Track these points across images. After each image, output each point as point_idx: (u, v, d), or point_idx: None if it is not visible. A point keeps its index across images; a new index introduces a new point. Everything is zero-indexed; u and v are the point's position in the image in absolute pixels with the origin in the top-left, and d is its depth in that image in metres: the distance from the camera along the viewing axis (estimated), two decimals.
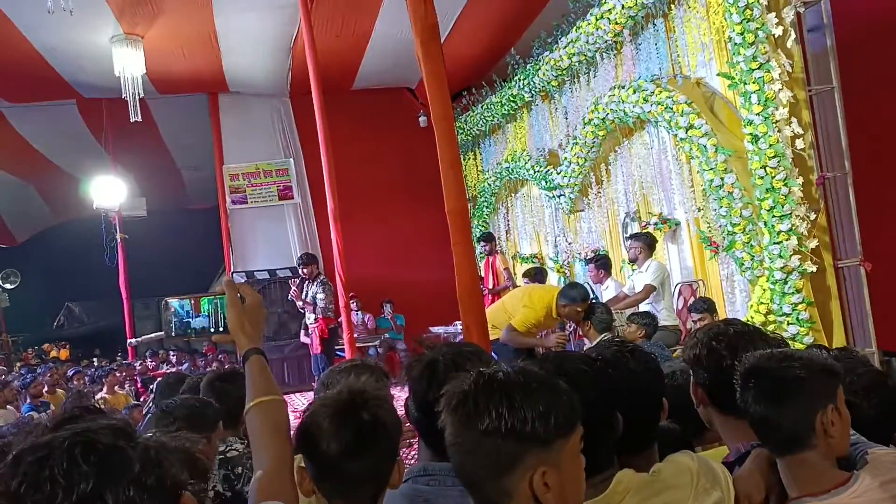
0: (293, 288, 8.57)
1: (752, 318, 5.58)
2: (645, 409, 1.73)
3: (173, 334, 1.84)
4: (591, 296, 7.56)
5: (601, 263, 7.51)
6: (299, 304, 8.43)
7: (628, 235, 7.61)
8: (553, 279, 9.75)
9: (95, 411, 1.10)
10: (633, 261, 6.91)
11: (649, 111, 7.08)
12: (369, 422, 1.57)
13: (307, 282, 8.47)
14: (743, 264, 6.05)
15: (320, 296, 8.18)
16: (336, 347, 8.86)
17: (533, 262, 10.20)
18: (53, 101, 11.41)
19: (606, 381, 1.65)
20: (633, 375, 1.73)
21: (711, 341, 1.87)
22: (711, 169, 6.24)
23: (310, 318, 8.30)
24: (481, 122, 11.37)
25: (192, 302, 1.85)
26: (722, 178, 6.14)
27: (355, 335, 8.03)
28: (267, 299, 10.83)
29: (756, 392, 1.66)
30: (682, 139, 6.64)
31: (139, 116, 9.37)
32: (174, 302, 1.85)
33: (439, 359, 1.80)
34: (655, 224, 7.62)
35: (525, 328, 5.52)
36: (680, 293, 7.17)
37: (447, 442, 1.27)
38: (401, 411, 1.74)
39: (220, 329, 1.81)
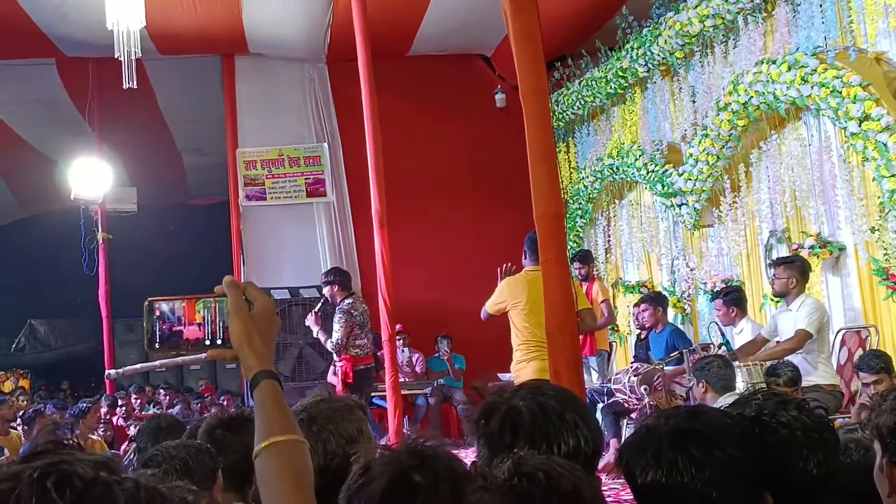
0: (312, 313, 8.44)
1: None
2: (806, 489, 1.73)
3: (157, 346, 1.86)
4: (721, 339, 7.44)
5: (733, 299, 7.44)
6: (315, 331, 8.29)
7: (773, 260, 7.48)
8: (669, 317, 9.63)
9: (73, 447, 1.14)
10: (779, 295, 6.80)
11: (809, 95, 7.01)
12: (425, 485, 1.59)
13: (329, 306, 8.41)
14: None
15: (336, 326, 8.08)
16: (374, 394, 8.88)
17: (641, 293, 10.10)
18: (27, 60, 11.71)
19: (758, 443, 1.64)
20: (795, 439, 1.73)
21: None
22: (893, 175, 6.16)
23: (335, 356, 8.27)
24: (578, 104, 11.39)
25: (185, 305, 1.88)
26: None
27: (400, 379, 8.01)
28: (286, 326, 10.96)
29: None
30: (853, 134, 6.57)
31: (134, 82, 9.57)
32: (163, 304, 1.88)
33: (520, 405, 1.89)
34: (811, 248, 7.51)
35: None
36: (843, 343, 7.04)
37: None
38: None
39: (219, 342, 1.83)
